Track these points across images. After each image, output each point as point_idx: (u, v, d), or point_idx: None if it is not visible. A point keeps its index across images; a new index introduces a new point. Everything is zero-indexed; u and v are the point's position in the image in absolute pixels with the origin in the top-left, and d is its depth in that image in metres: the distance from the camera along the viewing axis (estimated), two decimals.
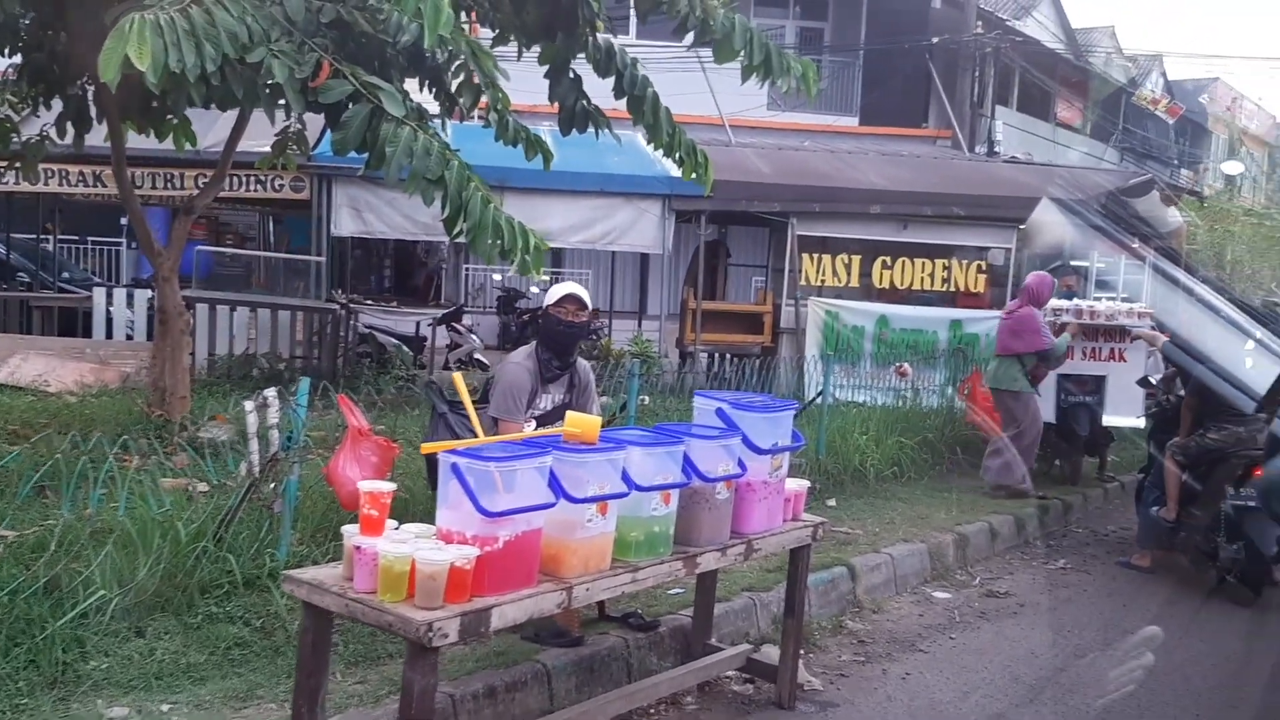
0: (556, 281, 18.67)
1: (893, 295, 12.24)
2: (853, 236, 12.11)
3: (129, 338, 10.99)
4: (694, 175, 7.78)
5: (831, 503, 7.64)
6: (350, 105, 5.15)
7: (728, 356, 12.58)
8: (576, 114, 7.41)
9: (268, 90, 5.27)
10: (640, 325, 15.26)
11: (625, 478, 3.47)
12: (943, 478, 8.95)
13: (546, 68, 7.34)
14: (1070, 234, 11.73)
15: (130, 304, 11.33)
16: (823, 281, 12.06)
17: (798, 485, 4.46)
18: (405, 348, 14.48)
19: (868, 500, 7.83)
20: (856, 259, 12.11)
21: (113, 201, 13.91)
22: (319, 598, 3.09)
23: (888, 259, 12.15)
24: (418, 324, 11.97)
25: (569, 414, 3.55)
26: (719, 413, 4.09)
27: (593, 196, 11.36)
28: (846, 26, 24.09)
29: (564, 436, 3.45)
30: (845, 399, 10.47)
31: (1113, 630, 5.83)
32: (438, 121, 8.48)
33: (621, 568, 3.51)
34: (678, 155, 7.67)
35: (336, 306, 10.54)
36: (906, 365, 10.20)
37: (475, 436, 3.88)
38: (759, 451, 4.03)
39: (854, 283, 12.19)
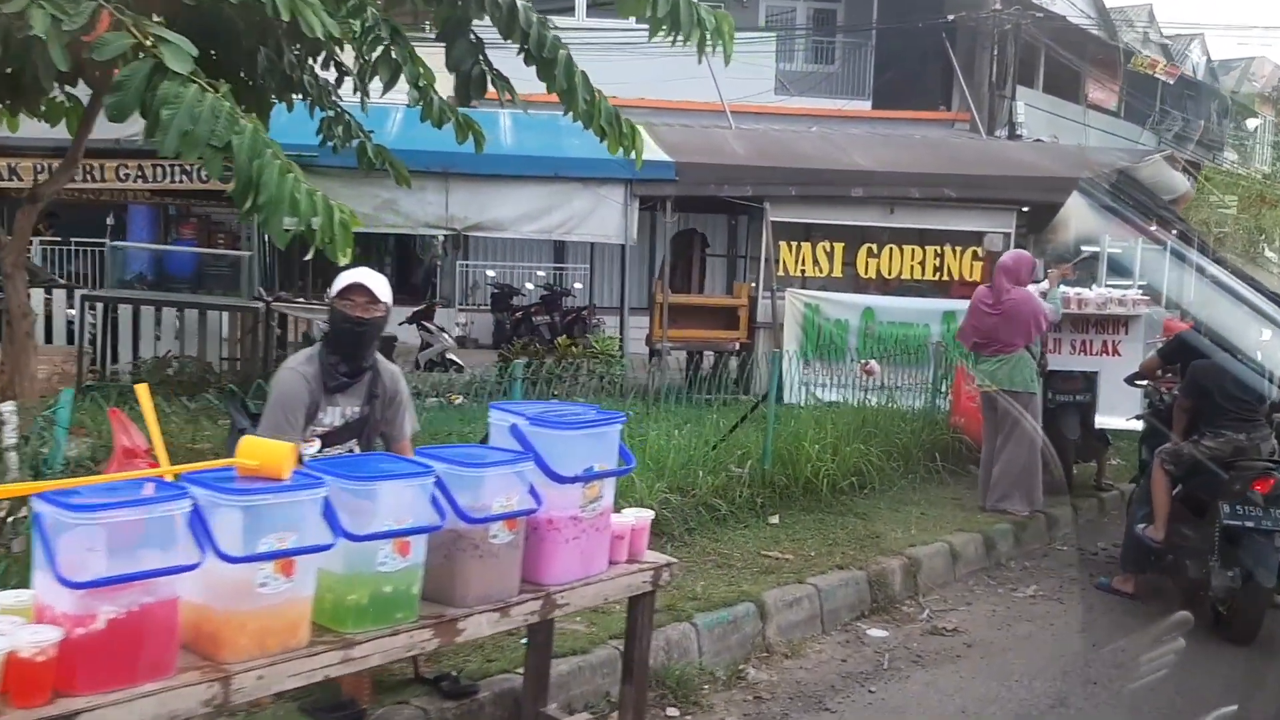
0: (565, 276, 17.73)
1: (881, 285, 11.28)
2: (834, 222, 11.14)
3: (48, 341, 10.29)
4: (621, 150, 6.89)
5: (774, 520, 6.73)
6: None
7: (704, 355, 11.73)
8: (473, 79, 6.55)
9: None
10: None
11: (331, 521, 2.61)
12: (916, 488, 7.97)
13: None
14: (1101, 225, 10.88)
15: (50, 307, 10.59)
16: (803, 272, 11.10)
17: (637, 517, 3.56)
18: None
19: (818, 517, 6.90)
20: (839, 247, 11.14)
21: (101, 200, 13.19)
22: None
23: (874, 246, 11.17)
24: None
25: (243, 440, 2.68)
26: (513, 430, 3.21)
27: (546, 182, 10.48)
28: (860, 6, 23.04)
29: (238, 470, 2.59)
30: (832, 399, 9.56)
31: (1072, 680, 4.87)
32: (356, 102, 7.74)
33: (327, 643, 2.64)
34: (599, 126, 6.76)
35: (260, 305, 9.75)
36: (874, 362, 9.21)
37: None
38: (560, 479, 3.15)
39: (837, 272, 11.22)
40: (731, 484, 6.83)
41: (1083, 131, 24.10)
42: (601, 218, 10.61)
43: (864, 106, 21.87)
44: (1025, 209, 11.82)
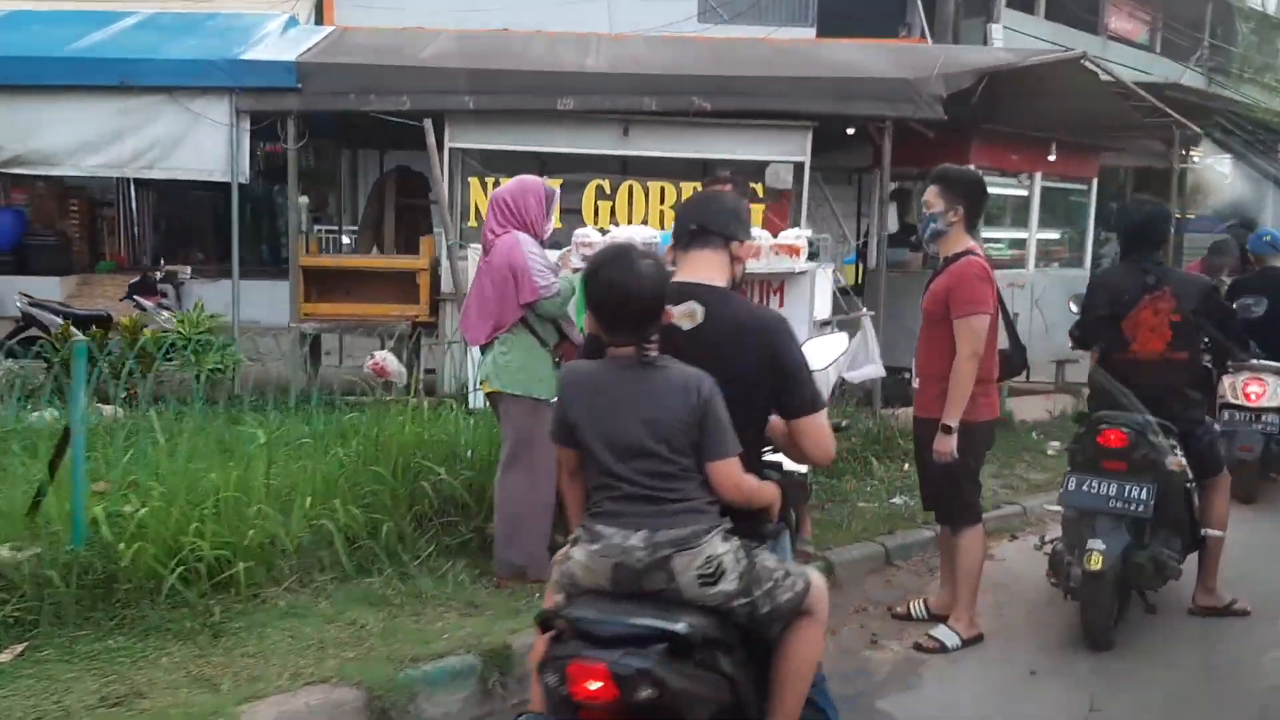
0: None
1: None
2: (540, 150, 7.94)
3: None
4: None
5: (5, 657, 3.68)
6: None
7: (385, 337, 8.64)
8: None
9: None
10: None
11: None
12: (452, 560, 4.83)
13: None
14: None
15: None
16: None
17: None
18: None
19: (123, 643, 3.85)
20: (556, 184, 7.90)
21: None
22: None
23: (605, 185, 7.93)
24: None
25: None
26: None
27: (115, 95, 7.46)
28: None
29: None
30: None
31: None
32: None
33: None
34: None
35: None
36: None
37: None
38: None
39: (555, 221, 7.99)
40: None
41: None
42: (197, 145, 7.56)
43: (808, 34, 18.40)
44: (850, 131, 8.49)
